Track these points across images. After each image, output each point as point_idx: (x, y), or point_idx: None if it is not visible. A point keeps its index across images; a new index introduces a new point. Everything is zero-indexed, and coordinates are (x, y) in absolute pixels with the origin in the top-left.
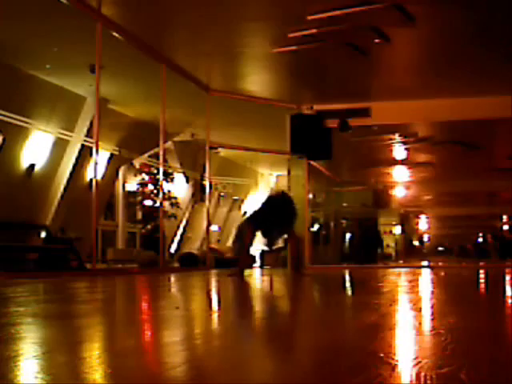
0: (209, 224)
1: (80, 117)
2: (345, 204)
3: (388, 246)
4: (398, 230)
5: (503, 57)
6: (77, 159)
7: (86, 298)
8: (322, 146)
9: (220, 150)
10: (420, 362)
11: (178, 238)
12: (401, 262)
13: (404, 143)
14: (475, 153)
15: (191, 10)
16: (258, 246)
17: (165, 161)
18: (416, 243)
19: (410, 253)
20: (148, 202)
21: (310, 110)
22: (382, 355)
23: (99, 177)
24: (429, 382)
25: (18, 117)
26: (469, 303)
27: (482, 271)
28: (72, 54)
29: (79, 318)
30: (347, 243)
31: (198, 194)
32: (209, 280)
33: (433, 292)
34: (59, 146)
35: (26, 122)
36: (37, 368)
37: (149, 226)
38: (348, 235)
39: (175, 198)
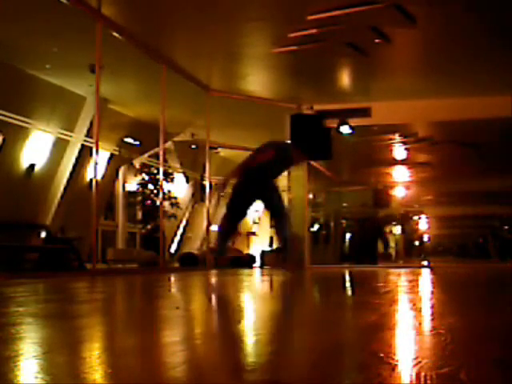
0: (209, 224)
1: (80, 117)
2: (345, 204)
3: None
4: (398, 229)
5: (504, 56)
6: (77, 159)
7: (86, 298)
8: (322, 146)
9: (220, 149)
10: (420, 361)
11: (178, 238)
12: (401, 262)
13: (404, 143)
14: (475, 152)
15: (191, 9)
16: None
17: (165, 161)
18: (416, 243)
19: (409, 253)
20: (148, 202)
21: (310, 109)
22: (381, 355)
23: (99, 177)
24: (429, 381)
25: (18, 117)
26: (469, 303)
27: (481, 271)
28: (72, 54)
29: (79, 318)
30: (347, 243)
31: (198, 194)
32: (209, 280)
33: (433, 292)
34: (59, 146)
35: (26, 122)
36: (37, 368)
37: (149, 226)
38: (348, 235)
39: (175, 197)
